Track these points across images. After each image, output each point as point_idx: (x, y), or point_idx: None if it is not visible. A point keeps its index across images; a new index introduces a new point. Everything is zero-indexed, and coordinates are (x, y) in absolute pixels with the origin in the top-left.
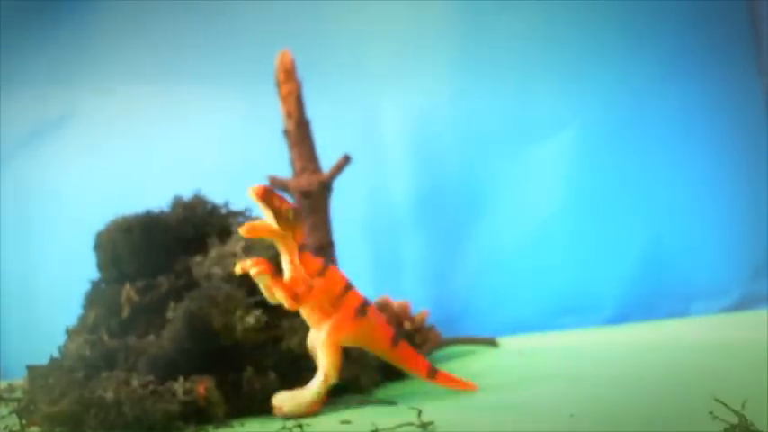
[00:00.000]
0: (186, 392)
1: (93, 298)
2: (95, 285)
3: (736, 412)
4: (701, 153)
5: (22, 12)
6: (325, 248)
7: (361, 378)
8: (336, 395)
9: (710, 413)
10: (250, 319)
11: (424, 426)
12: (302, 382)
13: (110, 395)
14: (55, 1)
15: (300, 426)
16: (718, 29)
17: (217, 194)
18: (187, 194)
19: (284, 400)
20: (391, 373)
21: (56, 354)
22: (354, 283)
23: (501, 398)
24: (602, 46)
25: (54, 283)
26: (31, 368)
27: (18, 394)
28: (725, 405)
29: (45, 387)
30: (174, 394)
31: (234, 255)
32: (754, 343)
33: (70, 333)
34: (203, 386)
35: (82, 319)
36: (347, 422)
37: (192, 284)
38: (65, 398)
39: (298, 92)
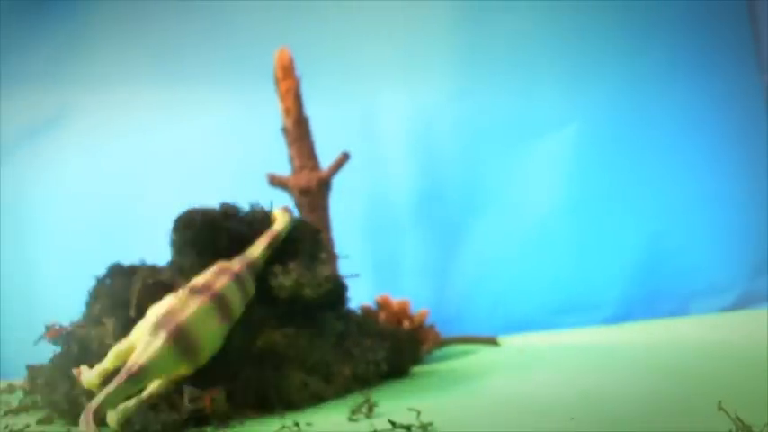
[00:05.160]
0: (192, 401)
1: (98, 293)
2: (100, 281)
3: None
4: (701, 151)
5: (20, 11)
6: None
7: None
8: None
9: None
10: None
11: (423, 427)
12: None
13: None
14: (53, 0)
15: (297, 424)
16: (719, 27)
17: (216, 191)
18: (188, 195)
19: None
20: (392, 370)
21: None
22: (354, 281)
23: (501, 398)
24: (604, 44)
25: (53, 282)
26: (30, 368)
27: (18, 394)
28: (725, 412)
29: (46, 386)
30: (179, 402)
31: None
32: (753, 342)
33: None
34: (209, 398)
35: (86, 313)
36: (348, 422)
37: None
38: (66, 397)
39: (296, 89)
